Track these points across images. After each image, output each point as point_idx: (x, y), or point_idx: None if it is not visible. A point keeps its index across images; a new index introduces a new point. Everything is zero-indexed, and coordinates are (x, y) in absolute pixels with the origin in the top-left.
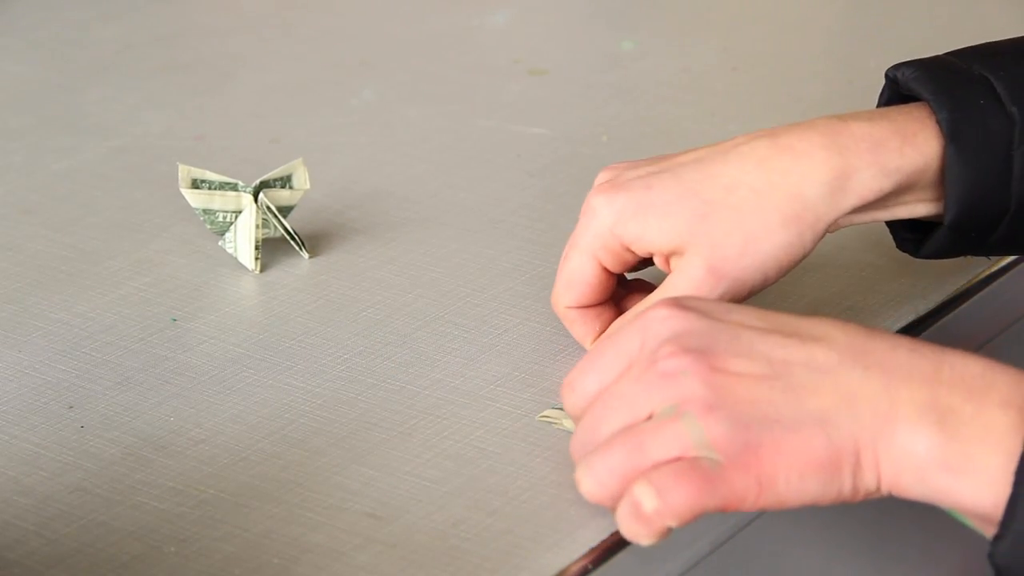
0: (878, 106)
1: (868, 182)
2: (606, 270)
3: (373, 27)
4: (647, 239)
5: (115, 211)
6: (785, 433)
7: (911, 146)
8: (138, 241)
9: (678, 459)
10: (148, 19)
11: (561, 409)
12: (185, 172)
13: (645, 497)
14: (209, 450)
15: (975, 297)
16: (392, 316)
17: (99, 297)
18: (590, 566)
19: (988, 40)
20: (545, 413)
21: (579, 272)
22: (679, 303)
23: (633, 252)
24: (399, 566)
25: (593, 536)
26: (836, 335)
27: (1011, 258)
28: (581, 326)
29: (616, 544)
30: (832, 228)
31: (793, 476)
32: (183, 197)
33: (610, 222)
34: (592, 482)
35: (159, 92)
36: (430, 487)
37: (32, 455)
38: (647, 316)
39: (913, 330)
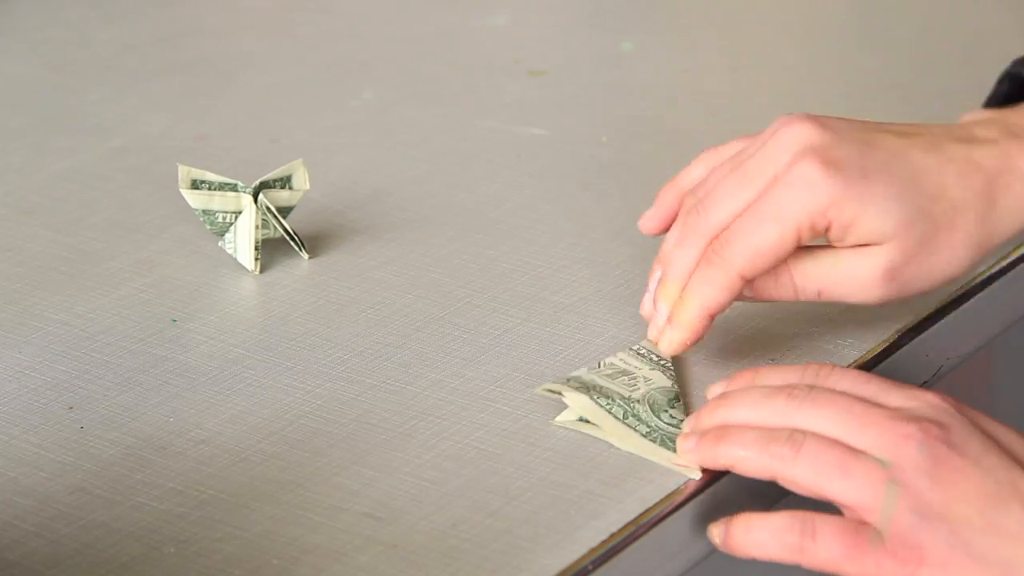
0: (995, 102)
1: None
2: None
3: (373, 28)
4: (855, 227)
5: (115, 212)
6: (964, 558)
7: None
8: (138, 242)
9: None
10: (149, 20)
11: (564, 383)
12: (185, 172)
13: (805, 533)
14: (209, 451)
15: (975, 297)
16: (392, 317)
17: (99, 298)
18: (590, 567)
19: (987, 40)
20: (547, 386)
21: (777, 244)
22: (961, 409)
23: (821, 232)
24: (399, 567)
25: (593, 536)
26: None
27: (1012, 258)
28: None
29: (616, 545)
30: None
31: None
32: (183, 198)
33: (829, 201)
34: (796, 452)
35: (159, 93)
36: (430, 488)
37: (32, 455)
38: (936, 408)
39: (913, 331)
